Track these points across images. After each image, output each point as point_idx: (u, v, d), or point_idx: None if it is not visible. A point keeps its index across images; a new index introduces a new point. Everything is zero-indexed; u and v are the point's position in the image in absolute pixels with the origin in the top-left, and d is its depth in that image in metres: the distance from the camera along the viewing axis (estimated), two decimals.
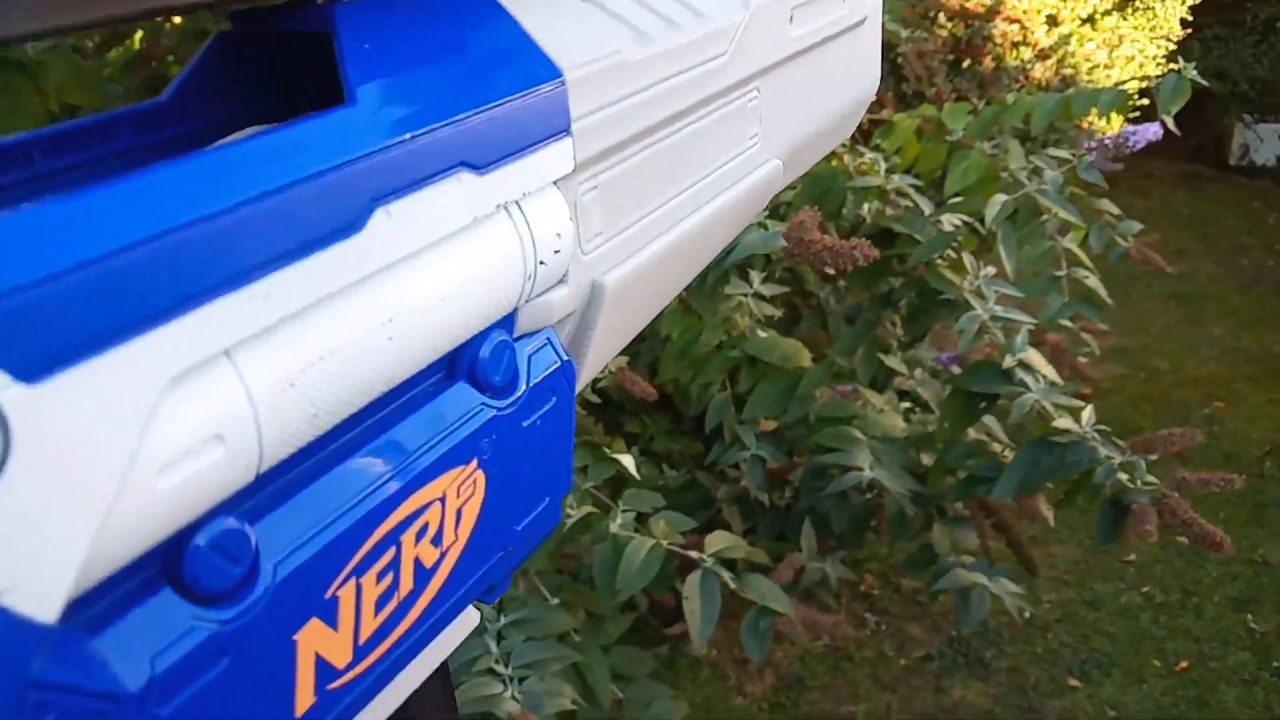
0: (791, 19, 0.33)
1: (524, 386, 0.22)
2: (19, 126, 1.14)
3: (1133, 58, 3.83)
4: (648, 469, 1.60)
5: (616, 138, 0.24)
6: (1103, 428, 1.10)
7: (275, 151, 0.16)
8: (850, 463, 1.29)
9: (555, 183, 0.22)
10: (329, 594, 0.18)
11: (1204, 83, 1.49)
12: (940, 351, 1.65)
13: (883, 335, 1.46)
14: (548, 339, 0.23)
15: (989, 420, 1.36)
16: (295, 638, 0.17)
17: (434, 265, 0.19)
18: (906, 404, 1.66)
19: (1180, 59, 1.40)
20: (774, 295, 1.42)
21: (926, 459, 1.45)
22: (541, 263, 0.22)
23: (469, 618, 0.23)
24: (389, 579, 0.19)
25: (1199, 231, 4.25)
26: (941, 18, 3.23)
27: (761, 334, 1.33)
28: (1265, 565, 2.15)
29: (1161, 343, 3.27)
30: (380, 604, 0.19)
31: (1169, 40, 3.95)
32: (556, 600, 0.92)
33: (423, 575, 0.20)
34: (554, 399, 0.23)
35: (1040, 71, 3.46)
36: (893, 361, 1.67)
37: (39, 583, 0.13)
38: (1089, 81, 3.57)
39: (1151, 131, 1.24)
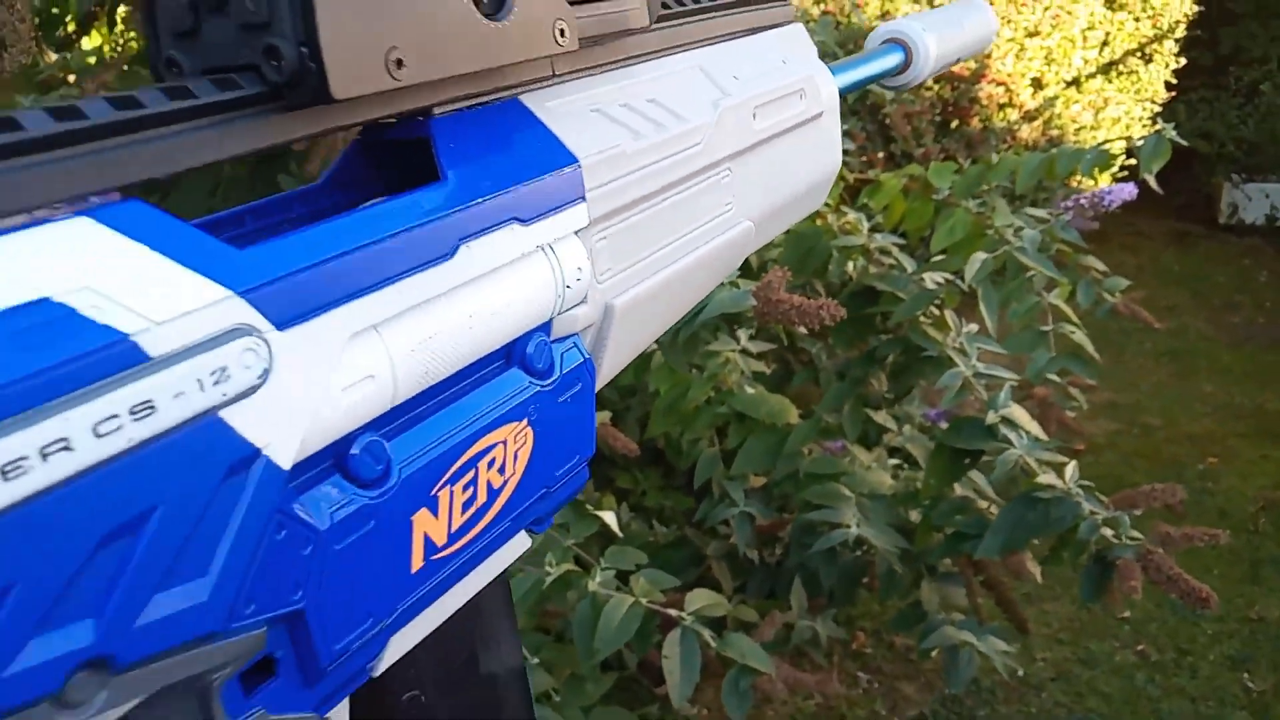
0: (754, 115, 0.43)
1: (558, 373, 0.32)
2: None
3: (1118, 119, 3.89)
4: (638, 525, 1.59)
5: (618, 203, 0.34)
6: (1086, 483, 1.10)
7: (403, 209, 0.27)
8: (837, 519, 1.29)
9: (576, 233, 0.32)
10: (432, 493, 0.27)
11: (1184, 143, 1.52)
12: (929, 408, 1.65)
13: (871, 391, 1.47)
14: (574, 343, 0.33)
15: (976, 477, 1.36)
16: (411, 518, 0.27)
17: (497, 282, 0.29)
18: (895, 460, 1.66)
19: (1164, 121, 1.43)
20: (764, 352, 1.43)
21: (915, 515, 1.45)
22: (567, 286, 0.32)
23: (522, 541, 0.33)
24: (470, 491, 0.29)
25: (1189, 288, 4.28)
26: (929, 80, 3.30)
27: (749, 390, 1.34)
28: (1261, 623, 2.13)
29: (1154, 399, 3.27)
30: (465, 507, 0.29)
31: (1154, 102, 4.02)
32: (536, 660, 0.92)
33: (492, 493, 0.30)
34: (579, 385, 0.33)
35: (1027, 132, 3.52)
36: (881, 417, 1.67)
37: (283, 444, 0.22)
38: (1075, 142, 3.63)
39: (1126, 191, 1.26)
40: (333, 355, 0.24)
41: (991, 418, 1.13)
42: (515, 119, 0.32)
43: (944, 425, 1.50)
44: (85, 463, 0.18)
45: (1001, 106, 3.56)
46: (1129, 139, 1.76)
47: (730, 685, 0.96)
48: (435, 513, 0.27)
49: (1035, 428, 1.19)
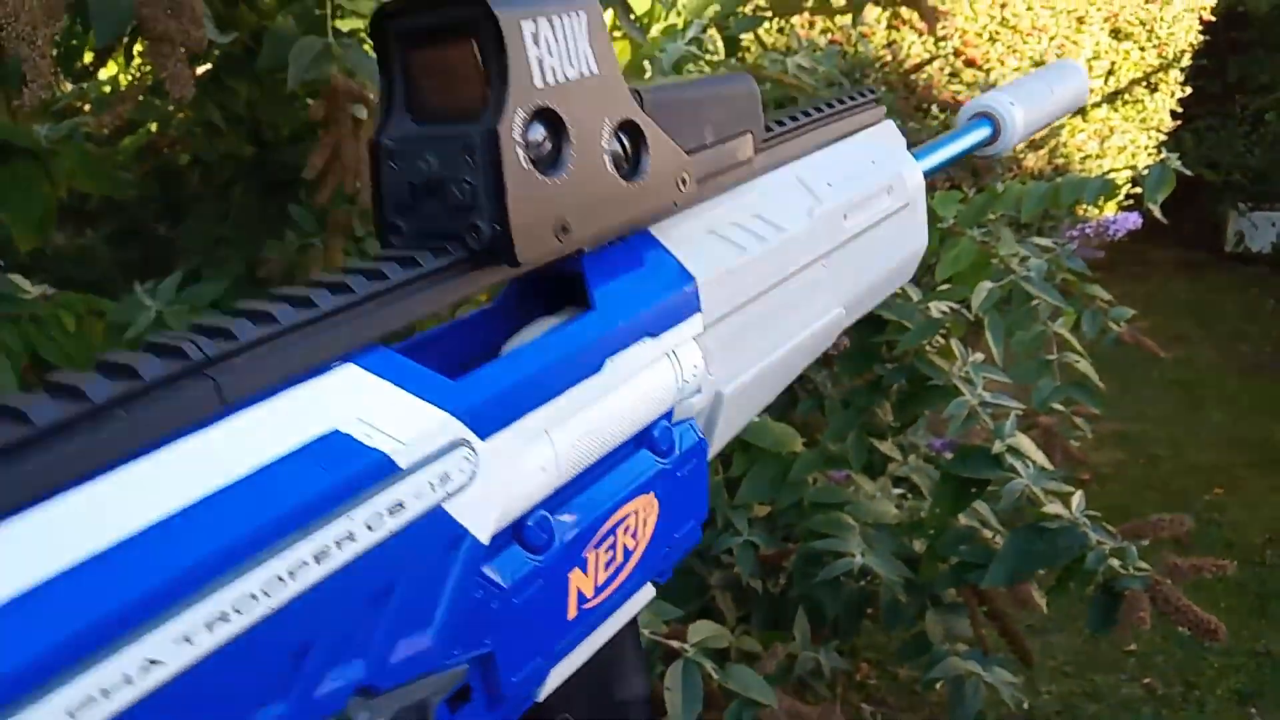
0: (845, 217, 0.47)
1: (677, 452, 0.38)
2: (30, 213, 1.17)
3: (1124, 148, 3.90)
4: None
5: (727, 309, 0.40)
6: (1093, 513, 1.10)
7: (565, 338, 0.34)
8: (841, 549, 1.29)
9: (696, 337, 0.39)
10: (583, 554, 0.34)
11: (1188, 172, 1.52)
12: (935, 437, 1.65)
13: (876, 421, 1.47)
14: (690, 425, 0.39)
15: (981, 506, 1.36)
16: (568, 575, 0.33)
17: (633, 385, 0.35)
18: (900, 490, 1.66)
19: (1169, 149, 1.44)
20: None
21: (919, 545, 1.44)
22: (685, 382, 0.38)
23: (648, 591, 0.39)
24: (611, 552, 0.35)
25: (1197, 317, 4.28)
26: (934, 109, 3.32)
27: (754, 418, 1.34)
28: (1268, 657, 2.11)
29: (1161, 429, 3.26)
30: (607, 565, 0.35)
31: (1159, 131, 4.04)
32: None
33: (627, 553, 0.36)
34: (694, 461, 0.39)
35: (1032, 161, 3.53)
36: (886, 447, 1.67)
37: (483, 526, 0.29)
38: (1081, 171, 3.64)
39: (1131, 220, 1.27)
40: (518, 455, 0.31)
41: (998, 447, 1.13)
42: (646, 248, 0.39)
43: (949, 455, 1.50)
44: (361, 549, 0.25)
45: None
46: (1134, 168, 1.77)
47: (732, 717, 0.95)
48: (585, 571, 0.34)
49: (1041, 457, 1.19)
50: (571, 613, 0.33)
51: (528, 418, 0.31)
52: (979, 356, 1.28)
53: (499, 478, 0.30)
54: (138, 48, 1.21)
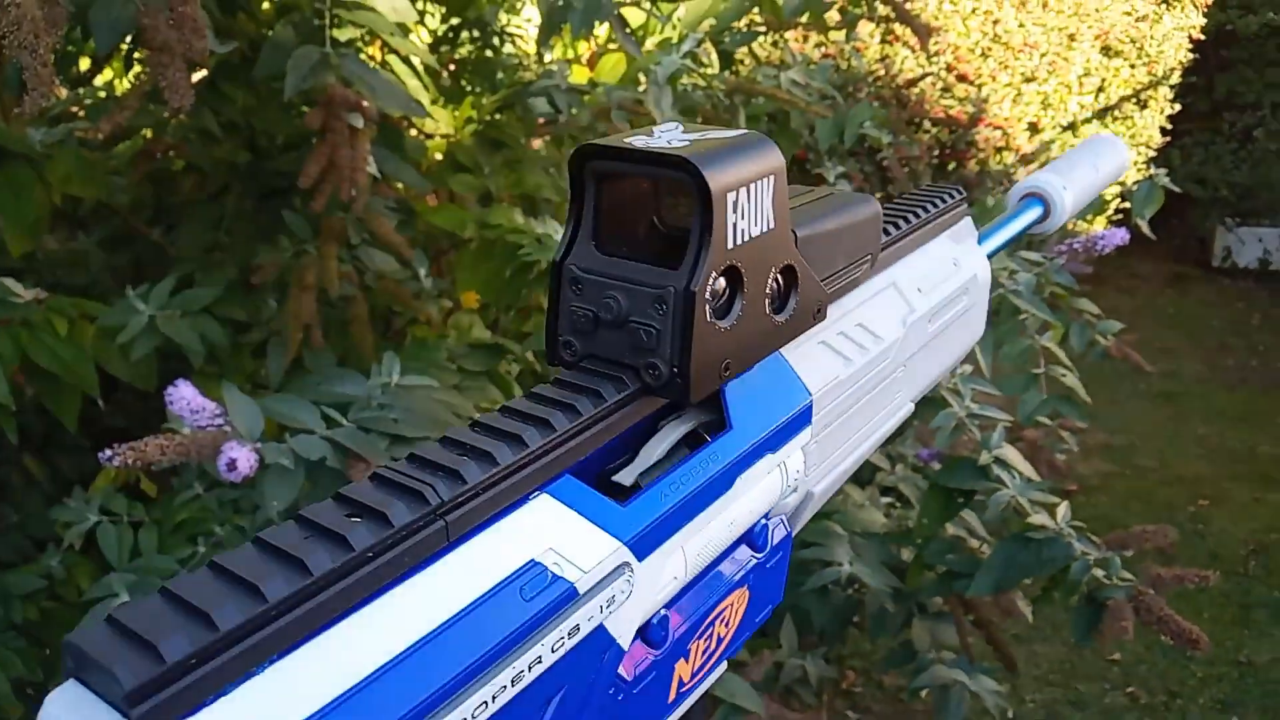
0: (930, 321, 0.50)
1: (769, 546, 0.39)
2: (23, 217, 1.18)
3: None
4: None
5: (830, 419, 0.42)
6: (1079, 524, 1.11)
7: (707, 458, 0.35)
8: (829, 558, 1.29)
9: (803, 446, 0.40)
10: (688, 646, 0.36)
11: (1176, 189, 1.54)
12: (923, 447, 1.66)
13: None
14: (781, 520, 0.41)
15: (969, 516, 1.37)
16: (674, 665, 0.35)
17: (751, 496, 0.37)
18: (888, 499, 1.67)
19: (1158, 165, 1.46)
20: None
21: (907, 554, 1.45)
22: (790, 487, 0.40)
23: (722, 668, 0.41)
24: (708, 642, 0.37)
25: (1184, 330, 4.31)
26: (927, 123, 3.34)
27: None
28: (1250, 667, 2.13)
29: (1148, 441, 3.29)
30: (704, 654, 0.37)
31: (1149, 147, 4.07)
32: None
33: (719, 641, 0.38)
34: (782, 553, 0.41)
35: (1023, 175, 3.55)
36: (874, 457, 1.68)
37: (628, 635, 0.31)
38: None
39: (1119, 236, 1.28)
40: (661, 569, 0.33)
41: (984, 458, 1.14)
42: (776, 367, 0.41)
43: (936, 465, 1.51)
44: (543, 669, 0.27)
45: (999, 150, 3.60)
46: (1123, 184, 1.79)
47: None
48: (688, 659, 0.36)
49: (1028, 468, 1.21)
50: (671, 696, 0.35)
51: (674, 539, 0.33)
52: (967, 369, 1.29)
53: (645, 591, 0.32)
54: (137, 55, 1.21)
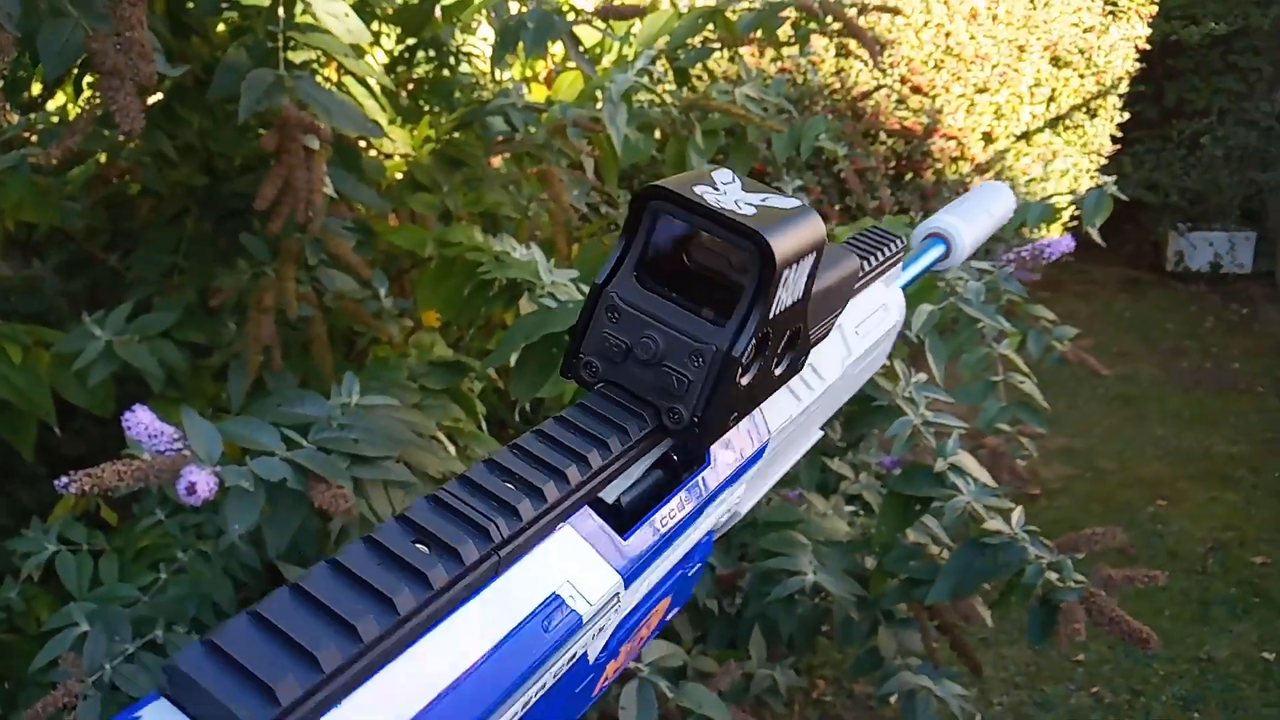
0: (859, 362, 0.51)
1: (696, 562, 0.40)
2: None
3: (1066, 171, 4.01)
4: None
5: (775, 453, 0.44)
6: (1032, 529, 1.14)
7: (696, 485, 0.37)
8: (794, 567, 1.31)
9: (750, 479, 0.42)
10: (619, 650, 0.36)
11: (1125, 197, 1.58)
12: (887, 455, 1.68)
13: (827, 440, 1.50)
14: (710, 534, 0.42)
15: (930, 523, 1.39)
16: (606, 665, 0.35)
17: (708, 522, 0.39)
18: (852, 507, 1.69)
19: (1109, 173, 1.49)
20: None
21: (871, 562, 1.47)
22: (730, 513, 0.42)
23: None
24: (631, 646, 0.38)
25: (1140, 334, 4.39)
26: (883, 135, 3.39)
27: None
28: (1210, 663, 2.17)
29: (1107, 443, 3.34)
30: (627, 655, 0.37)
31: (1100, 155, 4.15)
32: None
33: (640, 643, 0.39)
34: (702, 564, 0.42)
35: (979, 184, 3.61)
36: (837, 466, 1.70)
37: (596, 650, 0.32)
38: (1026, 194, 3.74)
39: (1064, 244, 1.31)
40: (637, 595, 0.34)
41: (940, 465, 1.16)
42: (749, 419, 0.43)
43: (897, 473, 1.53)
44: (542, 691, 0.29)
45: (954, 159, 3.66)
46: (1075, 191, 1.83)
47: None
48: (616, 660, 0.37)
49: (984, 474, 1.23)
50: (595, 690, 0.37)
51: (653, 565, 0.35)
52: (922, 377, 1.31)
53: (621, 614, 0.34)
54: (87, 79, 1.21)
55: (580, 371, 0.37)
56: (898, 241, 0.56)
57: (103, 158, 1.39)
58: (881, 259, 0.53)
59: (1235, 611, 2.36)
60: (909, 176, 3.58)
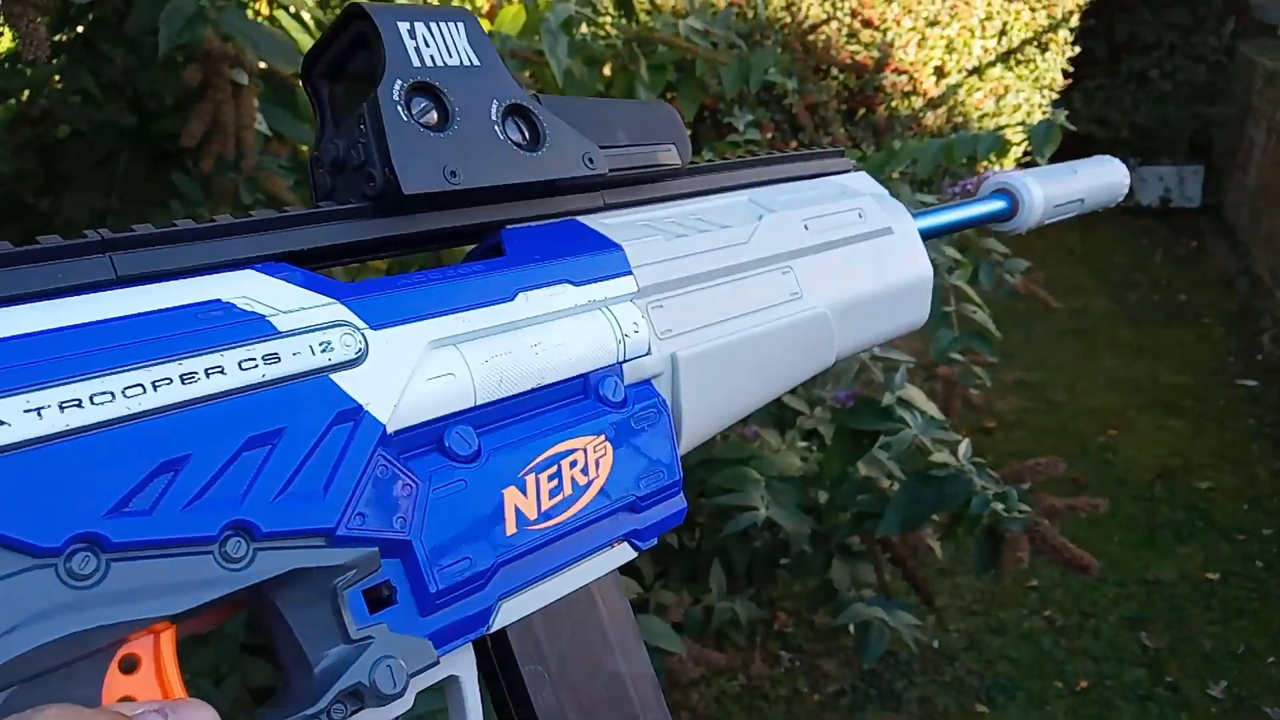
0: (806, 227, 0.52)
1: (630, 406, 0.41)
2: None
3: (1019, 106, 4.01)
4: None
5: (667, 279, 0.44)
6: (979, 460, 1.15)
7: (470, 269, 0.39)
8: (746, 503, 1.31)
9: (632, 298, 0.43)
10: (519, 475, 0.36)
11: (1073, 128, 1.58)
12: (840, 390, 1.69)
13: None
14: (648, 384, 0.43)
15: (881, 456, 1.40)
16: (502, 492, 0.36)
17: (556, 324, 0.39)
18: (807, 443, 1.69)
19: (1061, 108, 1.48)
20: None
21: (824, 497, 1.48)
22: (626, 336, 0.42)
23: (625, 552, 0.41)
24: (555, 482, 0.38)
25: (1091, 268, 4.44)
26: (834, 70, 3.36)
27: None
28: (1157, 584, 2.23)
29: (1059, 375, 3.39)
30: (552, 494, 0.37)
31: (1052, 90, 4.15)
32: None
33: (577, 489, 0.38)
34: (651, 416, 0.42)
35: (931, 119, 3.60)
36: (793, 400, 1.70)
37: (380, 406, 0.33)
38: (979, 128, 3.73)
39: None
40: (416, 353, 0.34)
41: (887, 399, 1.16)
42: (570, 227, 0.44)
43: (850, 406, 1.53)
44: (232, 385, 0.29)
45: (906, 94, 3.64)
46: (1026, 124, 1.82)
47: None
48: (524, 492, 0.37)
49: (932, 408, 1.23)
50: (510, 529, 0.36)
51: (426, 323, 0.35)
52: None
53: (395, 367, 0.34)
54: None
55: (319, 186, 0.43)
56: (832, 150, 0.59)
57: (25, 95, 1.33)
58: (801, 153, 0.57)
59: (1181, 535, 2.43)
60: (862, 112, 3.56)
